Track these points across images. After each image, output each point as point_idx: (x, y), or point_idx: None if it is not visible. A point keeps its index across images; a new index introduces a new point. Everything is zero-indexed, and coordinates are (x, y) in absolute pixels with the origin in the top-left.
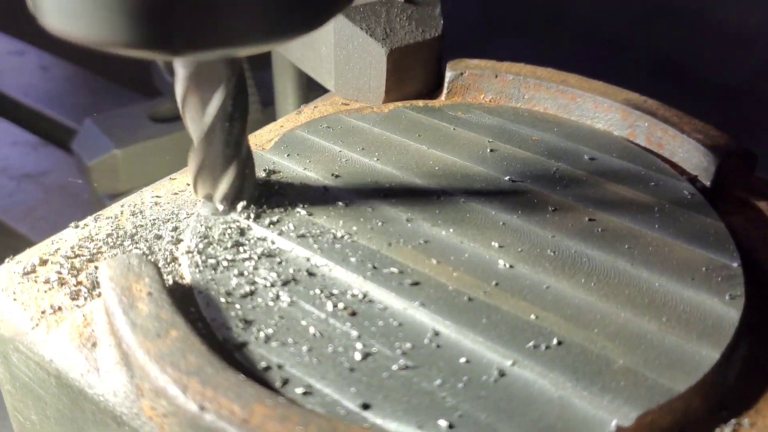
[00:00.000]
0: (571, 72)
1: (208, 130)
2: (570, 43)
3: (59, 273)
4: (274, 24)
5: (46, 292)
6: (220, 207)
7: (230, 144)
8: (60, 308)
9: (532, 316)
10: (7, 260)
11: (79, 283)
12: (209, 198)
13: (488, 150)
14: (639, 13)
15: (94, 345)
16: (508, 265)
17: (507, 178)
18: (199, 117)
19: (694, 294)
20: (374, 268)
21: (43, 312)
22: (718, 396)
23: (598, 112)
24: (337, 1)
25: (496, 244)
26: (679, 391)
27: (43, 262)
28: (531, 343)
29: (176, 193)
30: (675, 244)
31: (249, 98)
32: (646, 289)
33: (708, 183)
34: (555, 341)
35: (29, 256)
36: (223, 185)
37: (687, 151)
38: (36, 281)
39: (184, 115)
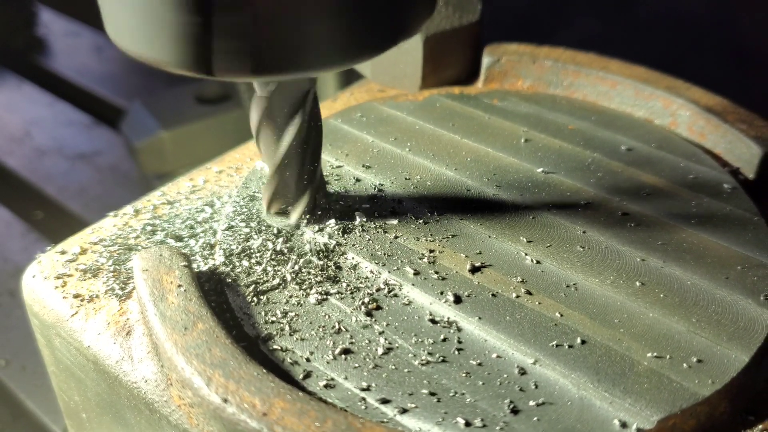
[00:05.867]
0: (642, 55)
1: (282, 158)
2: (644, 23)
3: (97, 262)
4: (349, 47)
5: (84, 280)
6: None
7: (304, 172)
8: (97, 296)
9: (557, 314)
10: (48, 248)
11: (116, 272)
12: (282, 213)
13: (522, 140)
14: None
15: (128, 334)
16: (535, 261)
17: (540, 169)
18: (274, 146)
19: (727, 294)
20: (400, 261)
21: (81, 300)
22: (745, 401)
23: (639, 99)
24: (410, 22)
25: (525, 239)
26: (704, 395)
27: (83, 251)
28: (554, 342)
29: (212, 182)
30: (710, 240)
31: None
32: (677, 288)
33: (751, 176)
34: (579, 340)
35: (70, 244)
36: (297, 211)
37: (730, 142)
38: (76, 270)
39: (259, 145)
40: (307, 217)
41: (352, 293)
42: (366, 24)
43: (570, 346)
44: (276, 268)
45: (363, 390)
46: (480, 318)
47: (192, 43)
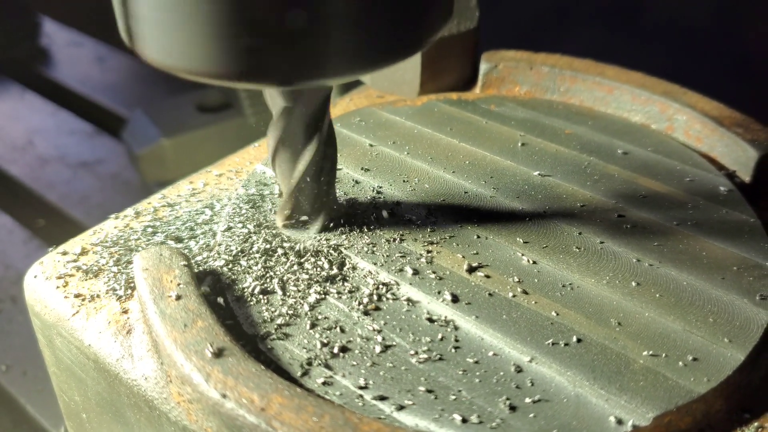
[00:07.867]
0: (647, 66)
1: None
2: (648, 35)
3: (98, 263)
4: (369, 55)
5: (86, 280)
6: (296, 222)
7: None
8: (98, 296)
9: (553, 313)
10: (50, 249)
11: (117, 272)
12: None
13: (519, 144)
14: (721, 6)
15: (128, 332)
16: (531, 261)
17: (536, 172)
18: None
19: (723, 293)
20: (398, 262)
21: (83, 300)
22: (741, 398)
23: (636, 104)
24: (431, 26)
25: (521, 240)
26: (700, 392)
27: (85, 252)
28: (550, 341)
29: (212, 185)
30: (707, 241)
31: None
32: (673, 288)
33: (747, 179)
34: (575, 339)
35: (72, 245)
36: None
37: (726, 146)
38: (78, 270)
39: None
40: (308, 220)
41: (350, 293)
42: (398, 30)
43: (566, 345)
44: (274, 269)
45: (360, 387)
46: (477, 317)
47: (261, 58)
